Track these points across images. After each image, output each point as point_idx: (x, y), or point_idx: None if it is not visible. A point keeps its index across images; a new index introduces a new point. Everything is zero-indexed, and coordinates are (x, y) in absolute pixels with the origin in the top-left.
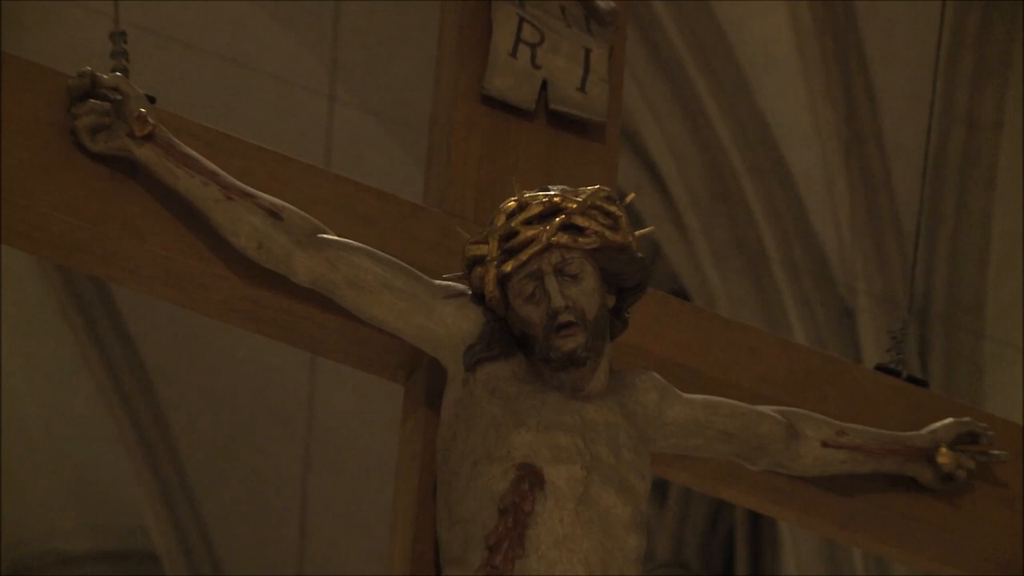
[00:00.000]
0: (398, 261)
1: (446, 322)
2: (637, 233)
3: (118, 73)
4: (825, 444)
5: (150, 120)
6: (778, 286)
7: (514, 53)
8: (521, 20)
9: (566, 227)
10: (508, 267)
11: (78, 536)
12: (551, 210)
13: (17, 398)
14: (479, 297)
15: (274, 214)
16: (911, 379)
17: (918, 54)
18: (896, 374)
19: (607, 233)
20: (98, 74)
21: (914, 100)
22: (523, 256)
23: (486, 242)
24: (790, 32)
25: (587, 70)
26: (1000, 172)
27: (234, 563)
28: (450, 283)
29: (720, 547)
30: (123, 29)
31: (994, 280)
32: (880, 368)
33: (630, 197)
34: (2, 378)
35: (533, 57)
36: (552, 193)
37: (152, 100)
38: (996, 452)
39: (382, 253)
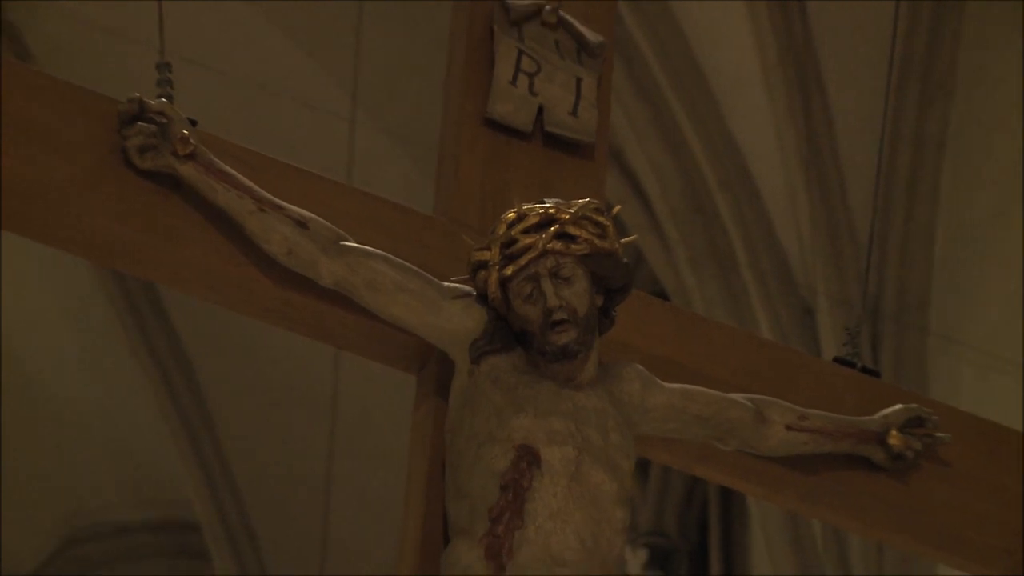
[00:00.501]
0: (411, 265)
1: (453, 320)
2: (623, 241)
3: (163, 99)
4: (789, 427)
5: (192, 141)
6: (746, 288)
7: (514, 82)
8: (520, 52)
9: (560, 235)
10: (508, 271)
11: (127, 508)
12: (547, 220)
13: (73, 386)
14: (483, 298)
15: (302, 224)
16: (865, 370)
17: (870, 81)
18: (852, 365)
19: (596, 241)
20: (146, 100)
21: (866, 122)
22: (522, 261)
23: (489, 249)
24: (756, 63)
25: (578, 97)
26: (943, 186)
27: (266, 531)
28: (457, 285)
29: (695, 518)
30: (168, 60)
31: (937, 282)
32: (837, 360)
33: (616, 209)
34: (60, 368)
35: (531, 85)
36: (547, 205)
37: (193, 123)
38: (940, 434)
39: (397, 258)
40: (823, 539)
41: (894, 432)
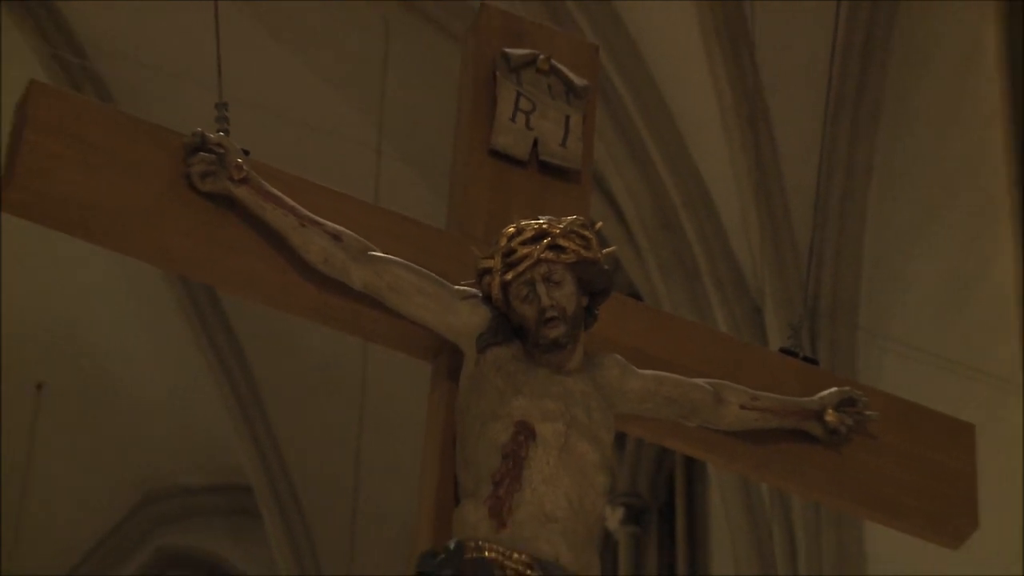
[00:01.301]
0: (427, 271)
1: (463, 317)
2: (604, 251)
3: (221, 133)
4: (742, 407)
5: (244, 168)
6: (706, 291)
7: (513, 118)
8: (519, 94)
9: (552, 247)
10: (509, 276)
11: (192, 473)
12: (540, 234)
13: (147, 374)
14: (487, 298)
15: (336, 237)
16: (806, 359)
17: (809, 119)
18: (794, 355)
19: (582, 251)
20: (206, 133)
21: (806, 153)
22: (520, 268)
23: (492, 258)
24: (715, 104)
25: (567, 131)
26: (870, 206)
27: (306, 492)
28: (465, 288)
29: (664, 482)
30: (225, 101)
31: (865, 286)
32: (783, 351)
33: (598, 225)
34: (136, 359)
35: (527, 121)
36: (541, 221)
37: (246, 153)
38: (868, 413)
39: (415, 266)
40: (770, 500)
41: (830, 411)
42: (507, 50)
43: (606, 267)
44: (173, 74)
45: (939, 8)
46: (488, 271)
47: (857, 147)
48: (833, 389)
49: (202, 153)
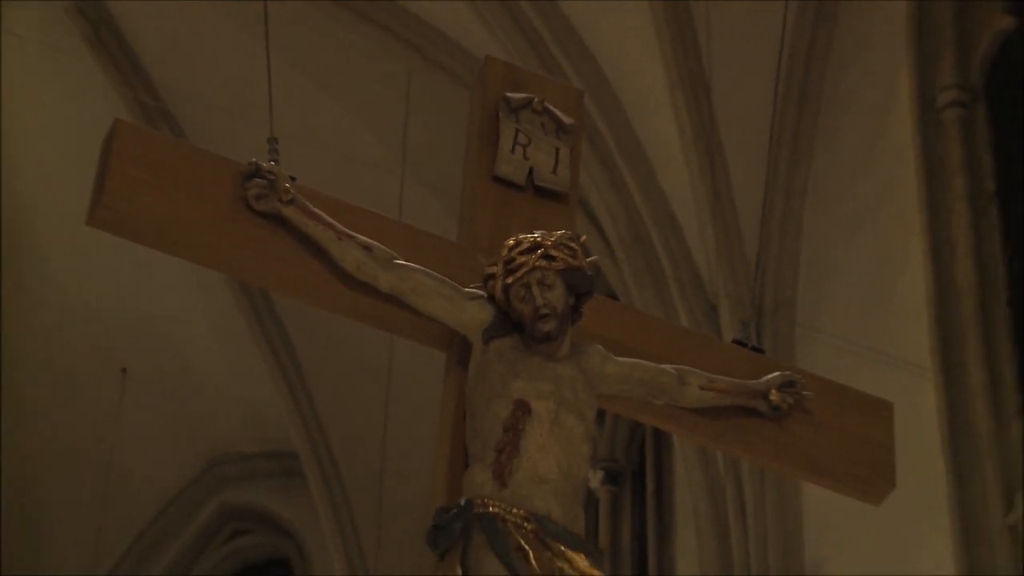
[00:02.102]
0: (442, 276)
1: (471, 315)
2: (588, 260)
3: (272, 162)
4: (701, 388)
5: (292, 191)
6: (671, 293)
7: (513, 151)
8: (517, 130)
9: (545, 256)
10: (509, 280)
11: (248, 441)
12: (535, 245)
13: (211, 359)
14: (491, 299)
15: (367, 248)
16: (754, 349)
17: (756, 150)
18: (744, 345)
19: (570, 260)
20: (260, 163)
21: (754, 179)
22: (518, 274)
23: (496, 265)
24: (677, 139)
25: (557, 161)
26: (806, 222)
27: (343, 457)
28: (473, 290)
29: (637, 450)
30: (276, 136)
31: (802, 289)
32: (735, 342)
33: (583, 238)
34: (201, 345)
35: (524, 153)
36: (536, 235)
37: (293, 179)
38: (805, 393)
39: (433, 272)
40: (724, 465)
41: (774, 391)
42: (508, 94)
43: (590, 273)
44: (233, 114)
45: (860, 62)
46: (492, 276)
47: (795, 174)
48: (776, 373)
49: (256, 179)
